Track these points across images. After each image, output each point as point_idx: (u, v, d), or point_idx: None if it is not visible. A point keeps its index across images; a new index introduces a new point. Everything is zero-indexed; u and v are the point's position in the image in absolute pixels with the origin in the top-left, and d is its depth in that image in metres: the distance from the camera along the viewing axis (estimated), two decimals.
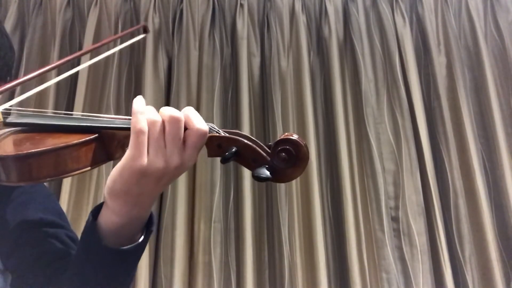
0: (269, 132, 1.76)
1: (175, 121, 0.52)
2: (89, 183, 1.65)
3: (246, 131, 1.70)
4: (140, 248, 0.58)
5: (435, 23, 1.95)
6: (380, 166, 1.70)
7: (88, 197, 1.64)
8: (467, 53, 1.95)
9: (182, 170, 0.54)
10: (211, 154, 0.56)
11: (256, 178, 0.53)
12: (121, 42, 1.50)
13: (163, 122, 0.52)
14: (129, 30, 0.81)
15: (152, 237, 1.61)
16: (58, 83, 1.73)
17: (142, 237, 0.58)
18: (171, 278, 1.55)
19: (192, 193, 1.67)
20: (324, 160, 1.78)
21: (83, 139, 0.54)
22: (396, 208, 1.72)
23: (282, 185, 1.68)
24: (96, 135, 0.56)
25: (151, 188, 0.54)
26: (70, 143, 0.53)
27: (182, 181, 1.65)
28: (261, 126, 1.80)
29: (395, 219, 1.71)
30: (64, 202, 1.58)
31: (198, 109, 1.75)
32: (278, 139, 0.54)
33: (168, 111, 0.52)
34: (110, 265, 0.57)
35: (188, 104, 1.75)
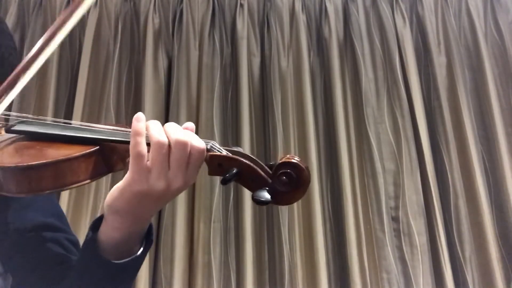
0: (269, 132, 1.76)
1: (182, 145, 0.51)
2: (89, 185, 1.65)
3: (246, 131, 1.70)
4: (139, 260, 0.58)
5: (435, 23, 1.95)
6: (381, 166, 1.70)
7: (88, 199, 1.63)
8: (467, 53, 1.95)
9: (183, 189, 0.55)
10: (212, 172, 0.55)
11: (256, 201, 0.52)
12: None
13: (169, 145, 0.51)
14: None
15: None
16: (58, 82, 1.73)
17: (141, 249, 0.58)
18: (171, 278, 1.55)
19: (192, 193, 1.67)
20: (324, 160, 1.78)
21: (84, 152, 0.53)
22: (396, 208, 1.72)
23: None
24: (97, 147, 0.55)
25: (152, 207, 0.55)
26: (70, 156, 0.52)
27: None
28: (261, 126, 1.79)
29: (395, 219, 1.71)
30: (64, 203, 1.58)
31: (198, 109, 1.75)
32: (280, 162, 0.53)
33: (175, 134, 0.51)
34: (109, 279, 0.57)
35: (188, 104, 1.76)
